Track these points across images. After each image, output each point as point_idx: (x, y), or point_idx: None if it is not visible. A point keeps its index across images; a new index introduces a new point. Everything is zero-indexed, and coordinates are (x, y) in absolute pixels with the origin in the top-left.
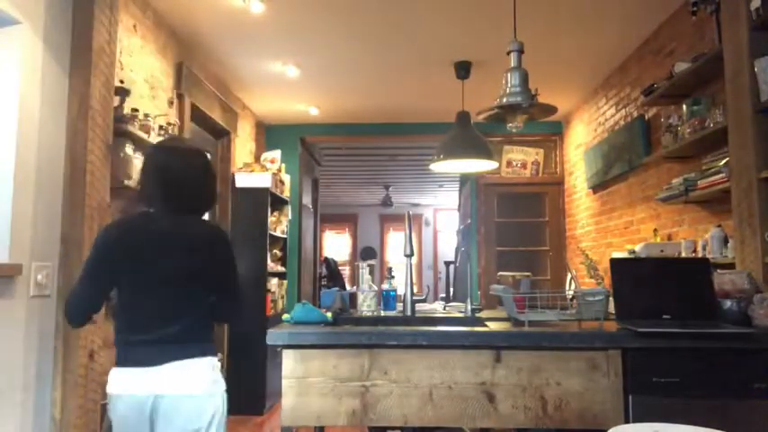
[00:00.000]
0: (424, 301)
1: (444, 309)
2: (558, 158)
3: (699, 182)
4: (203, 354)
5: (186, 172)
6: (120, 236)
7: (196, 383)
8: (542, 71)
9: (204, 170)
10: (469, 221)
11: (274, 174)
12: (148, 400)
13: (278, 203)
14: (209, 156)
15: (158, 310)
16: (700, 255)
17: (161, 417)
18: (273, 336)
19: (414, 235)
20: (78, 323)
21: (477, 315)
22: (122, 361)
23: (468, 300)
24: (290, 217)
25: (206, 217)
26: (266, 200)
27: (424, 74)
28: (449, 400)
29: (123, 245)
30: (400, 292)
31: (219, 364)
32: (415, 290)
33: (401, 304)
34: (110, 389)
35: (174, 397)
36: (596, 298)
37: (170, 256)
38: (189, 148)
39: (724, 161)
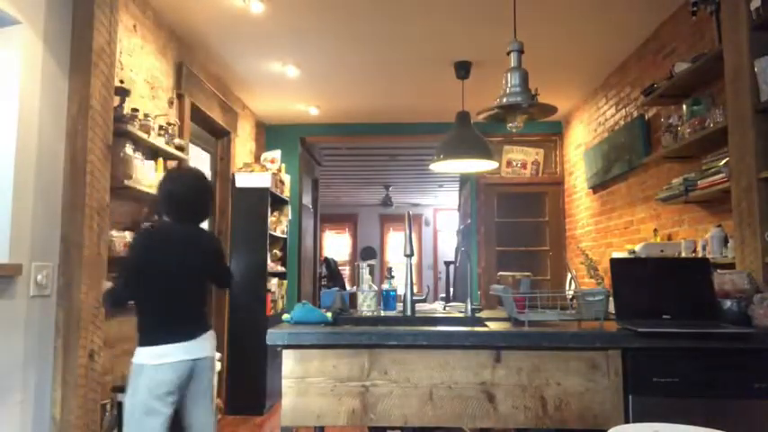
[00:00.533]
0: (424, 301)
1: (444, 309)
2: (558, 158)
3: (699, 182)
4: (210, 327)
5: (190, 195)
6: (152, 241)
7: (213, 348)
8: (542, 71)
9: (204, 192)
10: (469, 221)
11: (274, 174)
12: (191, 364)
13: (278, 203)
14: (207, 177)
15: (185, 296)
16: (700, 255)
17: (196, 374)
18: (273, 336)
19: (414, 235)
20: (117, 309)
21: (477, 315)
22: (164, 338)
23: (468, 300)
24: (290, 217)
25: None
26: (266, 200)
27: (424, 74)
28: (449, 400)
29: (155, 247)
30: (400, 292)
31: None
32: (415, 290)
33: (401, 304)
34: (157, 360)
35: (204, 359)
36: (596, 298)
37: (187, 255)
38: (192, 177)
39: (724, 161)
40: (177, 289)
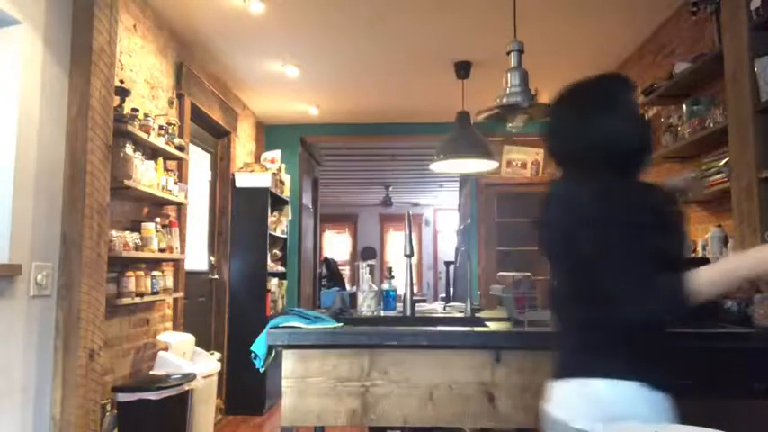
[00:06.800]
0: (425, 300)
1: (444, 309)
2: None
3: None
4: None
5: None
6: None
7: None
8: (542, 71)
9: None
10: (469, 221)
11: (274, 174)
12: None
13: (278, 203)
14: None
15: None
16: (700, 255)
17: None
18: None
19: (414, 235)
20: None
21: (477, 315)
22: None
23: (468, 300)
24: (290, 217)
25: None
26: (266, 200)
27: (424, 74)
28: (449, 400)
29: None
30: (400, 292)
31: None
32: (416, 290)
33: (401, 304)
34: None
35: None
36: None
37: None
38: None
39: (724, 161)
40: None
